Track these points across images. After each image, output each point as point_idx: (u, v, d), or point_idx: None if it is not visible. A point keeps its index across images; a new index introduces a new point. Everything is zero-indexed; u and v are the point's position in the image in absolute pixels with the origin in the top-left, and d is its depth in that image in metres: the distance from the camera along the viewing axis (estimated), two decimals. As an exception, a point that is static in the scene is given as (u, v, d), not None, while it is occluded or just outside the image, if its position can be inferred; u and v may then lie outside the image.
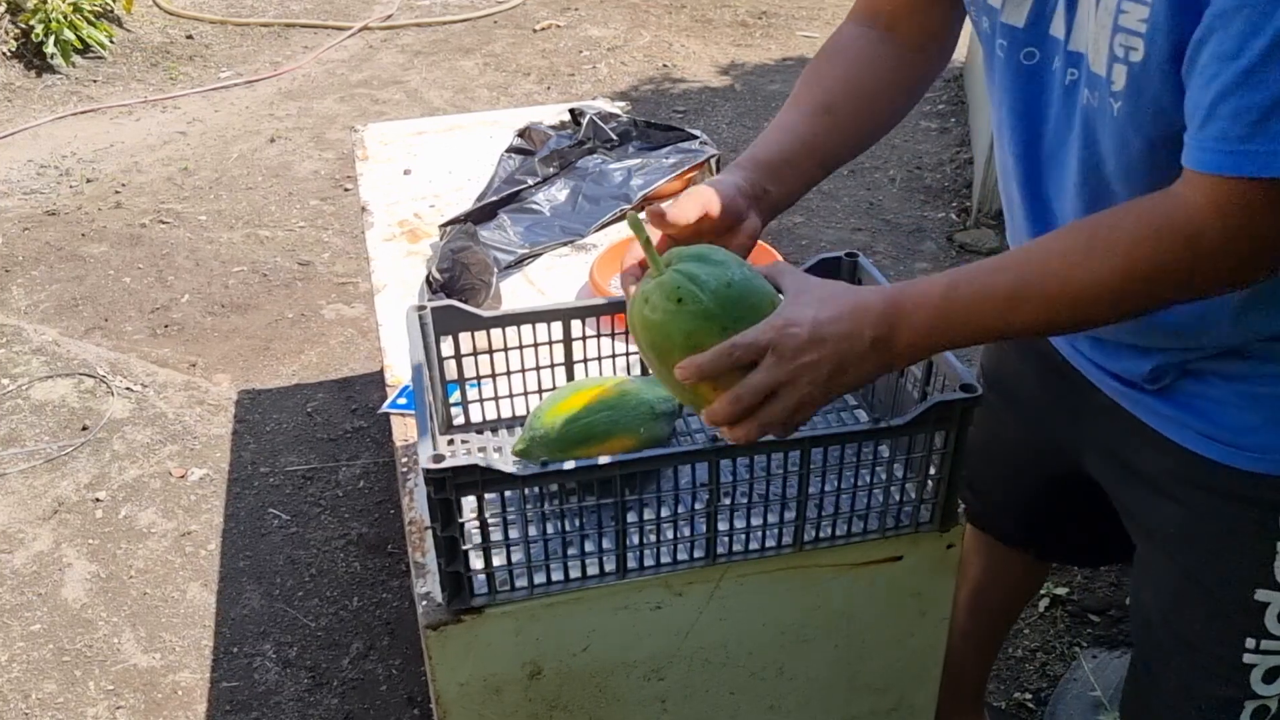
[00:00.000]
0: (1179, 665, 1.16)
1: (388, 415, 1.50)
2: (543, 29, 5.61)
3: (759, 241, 1.86)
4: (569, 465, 1.06)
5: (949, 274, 0.93)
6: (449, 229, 1.91)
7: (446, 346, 1.30)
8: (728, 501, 1.13)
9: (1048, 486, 1.40)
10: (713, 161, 2.19)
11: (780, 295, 0.98)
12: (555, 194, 2.08)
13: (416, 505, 1.28)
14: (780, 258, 1.78)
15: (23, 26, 4.93)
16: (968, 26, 1.17)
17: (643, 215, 1.05)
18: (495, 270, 1.75)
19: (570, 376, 1.36)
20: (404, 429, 1.45)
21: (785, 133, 1.15)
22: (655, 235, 1.07)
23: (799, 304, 0.94)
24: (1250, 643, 1.07)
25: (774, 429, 0.95)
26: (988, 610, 1.64)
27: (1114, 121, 0.93)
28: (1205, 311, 0.97)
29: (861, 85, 1.17)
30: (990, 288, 0.90)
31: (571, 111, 2.28)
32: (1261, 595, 1.05)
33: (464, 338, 1.30)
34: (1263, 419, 1.01)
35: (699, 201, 1.05)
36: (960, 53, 5.09)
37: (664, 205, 1.05)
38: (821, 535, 1.16)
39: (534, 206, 2.04)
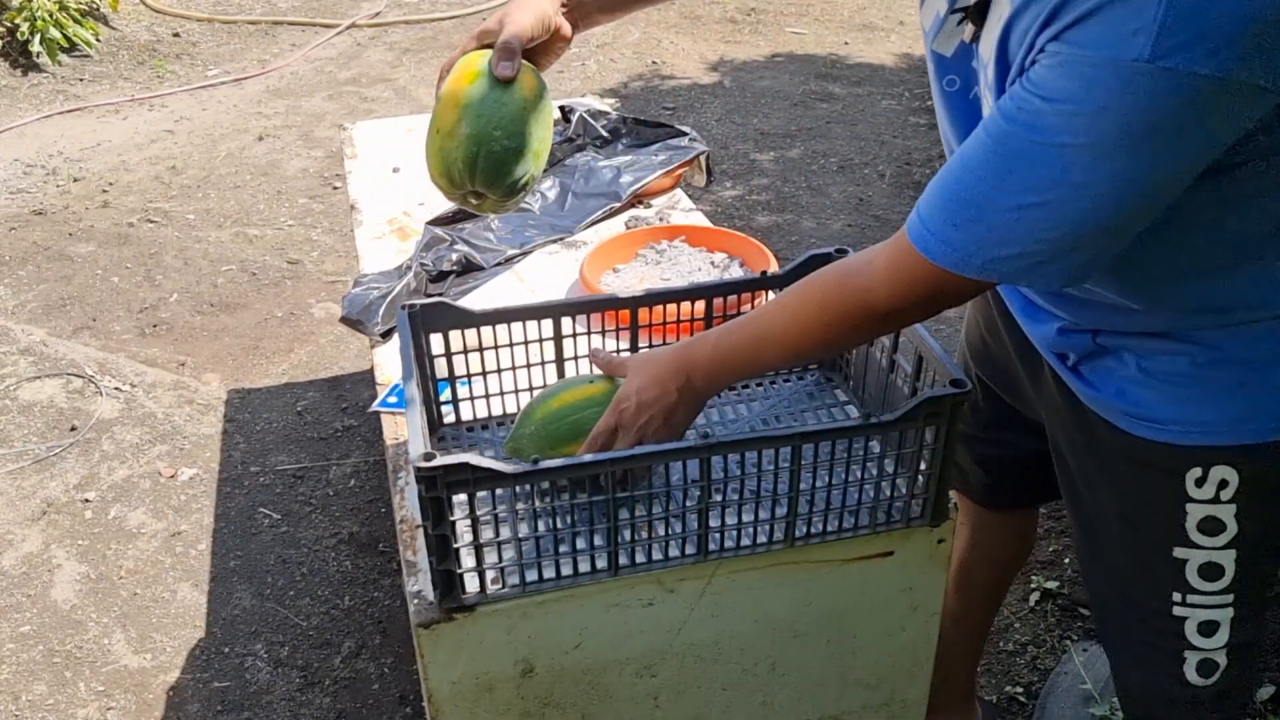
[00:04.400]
0: (1124, 621, 1.24)
1: (378, 414, 1.49)
2: (531, 26, 5.60)
3: (750, 239, 1.87)
4: (560, 462, 1.06)
5: (720, 330, 1.15)
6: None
7: (436, 344, 1.30)
8: (719, 498, 1.14)
9: (1018, 442, 1.44)
10: (702, 158, 2.19)
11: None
12: (545, 191, 2.08)
13: (407, 503, 1.28)
14: (772, 255, 1.79)
15: (8, 25, 4.90)
16: None
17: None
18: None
19: (561, 374, 1.36)
20: (394, 427, 1.45)
21: None
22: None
23: (626, 381, 1.17)
24: (1177, 596, 1.16)
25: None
26: (975, 586, 1.67)
27: None
28: (1119, 303, 1.07)
29: None
30: (742, 342, 1.12)
31: (561, 108, 2.28)
32: (1179, 553, 1.13)
33: (454, 335, 1.30)
34: (1164, 396, 1.09)
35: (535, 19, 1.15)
36: (949, 48, 5.10)
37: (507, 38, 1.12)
38: (813, 531, 1.16)
39: (523, 204, 2.04)
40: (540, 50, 1.17)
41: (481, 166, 1.09)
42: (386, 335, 1.67)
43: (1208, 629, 1.16)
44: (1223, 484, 1.09)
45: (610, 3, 1.25)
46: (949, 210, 0.92)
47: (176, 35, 5.46)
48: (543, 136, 1.15)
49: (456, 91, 1.11)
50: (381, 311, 1.69)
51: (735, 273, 1.80)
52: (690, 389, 1.14)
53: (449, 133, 1.10)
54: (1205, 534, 1.11)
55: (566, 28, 1.19)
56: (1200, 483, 1.09)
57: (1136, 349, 1.10)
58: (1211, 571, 1.13)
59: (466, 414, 1.37)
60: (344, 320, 1.71)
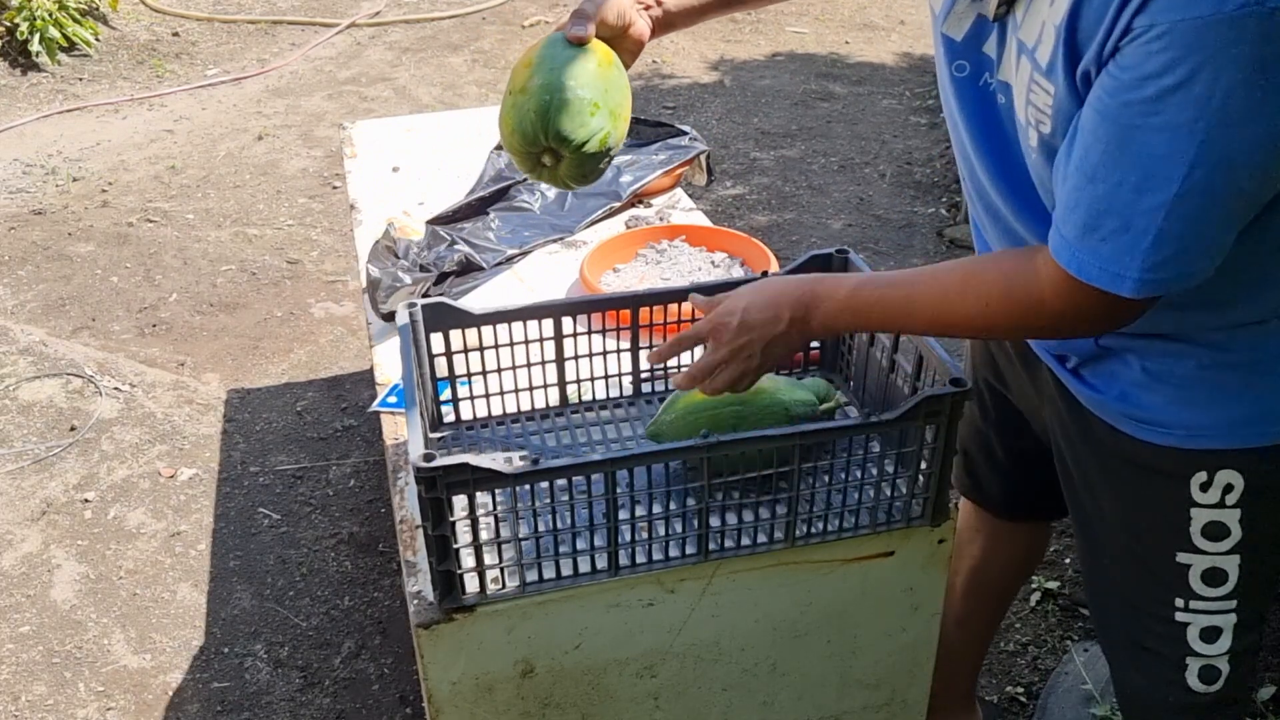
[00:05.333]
0: (1125, 626, 1.23)
1: (378, 414, 1.49)
2: (531, 25, 5.60)
3: (751, 239, 1.87)
4: (560, 463, 1.06)
5: (859, 277, 1.08)
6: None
7: (436, 344, 1.30)
8: (719, 498, 1.13)
9: (1031, 447, 1.43)
10: (702, 158, 2.19)
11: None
12: (544, 191, 2.08)
13: (407, 504, 1.28)
14: (772, 255, 1.78)
15: (7, 24, 4.90)
16: None
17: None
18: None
19: (561, 374, 1.36)
20: (394, 427, 1.45)
21: None
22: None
23: (735, 296, 1.11)
24: (1180, 602, 1.14)
25: (724, 391, 1.14)
26: (985, 590, 1.65)
27: (1033, 165, 1.01)
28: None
29: None
30: (886, 298, 1.06)
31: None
32: (1182, 558, 1.12)
33: (454, 335, 1.30)
34: (1169, 399, 1.08)
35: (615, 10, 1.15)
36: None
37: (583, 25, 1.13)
38: (813, 531, 1.16)
39: (523, 204, 2.04)
40: (613, 47, 1.16)
41: (554, 115, 1.07)
42: (388, 317, 1.68)
43: (1210, 635, 1.15)
44: (1228, 488, 1.08)
45: (690, 9, 1.23)
46: (1095, 225, 0.88)
47: (176, 35, 5.45)
48: (620, 101, 1.12)
49: (529, 54, 1.11)
50: (391, 297, 1.69)
51: (736, 273, 1.80)
52: (804, 324, 1.08)
53: (521, 89, 1.08)
54: (1209, 539, 1.10)
55: (642, 27, 1.18)
56: (1205, 487, 1.08)
57: (1140, 351, 1.08)
58: (1215, 577, 1.12)
59: (466, 414, 1.37)
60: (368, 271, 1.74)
